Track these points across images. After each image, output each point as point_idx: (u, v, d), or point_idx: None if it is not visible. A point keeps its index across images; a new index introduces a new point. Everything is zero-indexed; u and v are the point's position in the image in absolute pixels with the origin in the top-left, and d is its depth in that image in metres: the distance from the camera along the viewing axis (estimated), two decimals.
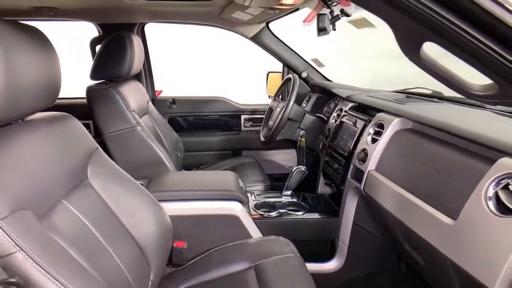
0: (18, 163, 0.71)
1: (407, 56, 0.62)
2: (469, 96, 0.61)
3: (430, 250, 0.85)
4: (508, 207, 0.68)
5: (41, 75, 0.75)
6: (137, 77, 1.95)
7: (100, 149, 1.02)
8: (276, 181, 1.92)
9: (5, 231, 0.59)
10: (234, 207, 1.24)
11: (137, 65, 1.61)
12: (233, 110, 2.23)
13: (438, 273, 0.92)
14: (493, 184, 0.72)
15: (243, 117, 2.24)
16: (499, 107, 1.14)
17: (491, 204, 0.71)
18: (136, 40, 1.60)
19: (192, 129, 2.22)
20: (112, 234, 0.90)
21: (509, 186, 0.70)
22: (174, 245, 1.18)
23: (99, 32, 1.93)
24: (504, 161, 0.73)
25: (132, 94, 1.59)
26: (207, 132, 2.23)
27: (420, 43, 0.59)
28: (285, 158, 2.29)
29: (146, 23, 1.96)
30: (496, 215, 0.69)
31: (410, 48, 0.60)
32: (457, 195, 0.79)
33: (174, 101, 2.18)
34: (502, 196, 0.70)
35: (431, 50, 0.63)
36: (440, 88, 1.52)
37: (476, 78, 0.62)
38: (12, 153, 0.71)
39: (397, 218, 0.97)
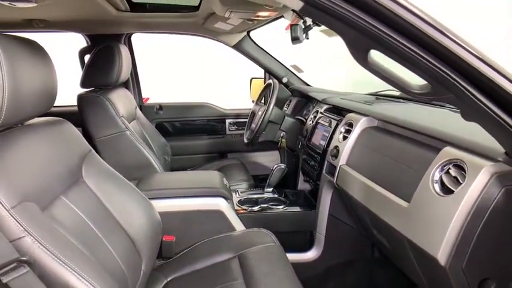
0: (21, 162, 0.79)
1: (357, 61, 0.74)
2: (408, 94, 0.73)
3: (391, 231, 0.97)
4: (450, 189, 0.80)
5: (40, 83, 0.84)
6: (125, 85, 2.03)
7: (93, 151, 1.11)
8: (260, 182, 2.03)
9: (14, 218, 0.68)
10: (218, 203, 1.34)
11: (125, 73, 1.70)
12: (218, 115, 2.33)
13: (400, 253, 1.04)
14: (438, 169, 0.85)
15: (227, 121, 2.35)
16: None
17: (436, 187, 0.83)
18: (124, 50, 1.69)
19: (179, 134, 2.31)
20: (106, 228, 0.98)
21: (450, 171, 0.82)
22: (163, 239, 1.26)
23: (87, 43, 2.01)
24: (447, 149, 0.85)
25: (121, 101, 1.67)
26: (193, 136, 2.32)
27: (366, 51, 0.70)
28: (268, 160, 2.40)
29: (133, 33, 2.06)
30: (440, 195, 0.81)
31: (359, 55, 0.71)
32: (411, 181, 0.91)
33: (160, 107, 2.27)
34: (445, 179, 0.82)
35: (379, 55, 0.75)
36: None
37: (416, 79, 0.75)
38: (15, 153, 0.79)
39: (365, 206, 1.09)
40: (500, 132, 0.69)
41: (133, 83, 2.17)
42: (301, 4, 0.66)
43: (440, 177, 0.83)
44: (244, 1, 1.14)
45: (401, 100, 1.54)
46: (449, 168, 0.82)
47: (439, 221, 0.79)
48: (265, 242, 1.23)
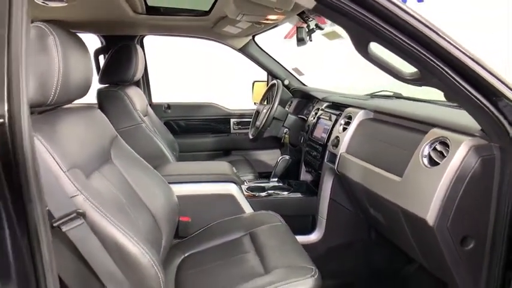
0: (67, 137, 0.92)
1: (359, 53, 0.88)
2: (401, 80, 0.88)
3: (386, 205, 1.11)
4: (436, 161, 0.95)
5: (82, 71, 0.96)
6: (136, 84, 2.16)
7: (119, 136, 1.24)
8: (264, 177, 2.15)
9: (69, 179, 0.80)
10: (230, 188, 1.47)
11: (140, 71, 1.83)
12: (223, 114, 2.47)
13: (395, 227, 1.17)
14: (427, 146, 0.99)
15: (232, 120, 2.48)
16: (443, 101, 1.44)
17: (425, 161, 0.98)
18: (139, 50, 1.83)
19: (186, 132, 2.43)
20: (132, 203, 1.10)
21: (436, 147, 0.97)
22: (180, 219, 1.38)
23: (101, 43, 2.14)
24: (434, 130, 1.00)
25: (136, 97, 1.80)
26: (199, 134, 2.45)
27: (367, 43, 0.85)
28: (270, 157, 2.53)
29: (145, 35, 2.20)
30: (428, 167, 0.96)
31: (360, 47, 0.86)
32: (403, 160, 1.05)
33: (169, 106, 2.40)
34: (432, 154, 0.97)
35: (377, 48, 0.90)
36: (399, 90, 1.83)
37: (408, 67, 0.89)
38: (63, 129, 0.91)
39: (363, 185, 1.23)
40: (476, 111, 0.84)
41: (143, 83, 2.30)
42: (314, 3, 0.81)
43: (429, 152, 0.98)
44: (256, 4, 1.29)
45: (394, 98, 1.70)
46: (435, 145, 0.97)
47: (427, 189, 0.93)
48: (273, 222, 1.36)
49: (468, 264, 0.95)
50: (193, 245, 1.31)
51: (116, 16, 1.64)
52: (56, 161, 0.78)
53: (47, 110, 0.91)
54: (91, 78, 1.04)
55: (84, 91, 1.02)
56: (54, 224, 0.72)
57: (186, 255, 1.27)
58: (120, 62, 1.71)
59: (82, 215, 0.77)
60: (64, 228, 0.75)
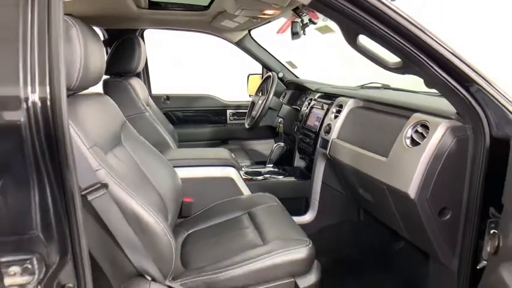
0: (87, 119, 1.00)
1: (349, 44, 0.99)
2: (386, 68, 0.99)
3: (374, 183, 1.22)
4: (417, 142, 1.06)
5: (98, 61, 1.05)
6: (137, 76, 2.24)
7: (127, 122, 1.32)
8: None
9: (92, 155, 0.89)
10: (229, 172, 1.57)
11: (142, 63, 1.92)
12: (220, 105, 2.56)
13: (382, 204, 1.29)
14: (410, 129, 1.11)
15: (228, 111, 2.58)
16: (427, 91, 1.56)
17: (408, 142, 1.09)
18: (142, 43, 1.91)
19: (184, 122, 2.52)
20: (142, 183, 1.20)
21: (417, 129, 1.08)
22: (184, 200, 1.48)
23: (104, 36, 2.21)
24: (416, 115, 1.12)
25: (138, 87, 1.89)
26: (197, 124, 2.55)
27: (356, 35, 0.96)
28: (264, 148, 2.64)
29: (146, 29, 2.28)
30: (410, 147, 1.07)
31: (350, 39, 0.97)
32: (388, 142, 1.17)
33: (168, 97, 2.49)
34: (414, 136, 1.09)
35: (365, 40, 1.00)
36: (387, 82, 1.95)
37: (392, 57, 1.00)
38: (83, 112, 1.00)
39: (353, 167, 1.34)
40: (452, 96, 0.95)
41: (144, 75, 2.38)
42: (309, 0, 0.91)
43: (411, 134, 1.10)
44: (254, 0, 1.39)
45: (382, 88, 1.82)
46: (417, 128, 1.09)
47: (409, 166, 1.04)
48: (270, 202, 1.46)
49: (445, 234, 1.08)
50: (196, 223, 1.41)
51: (120, 11, 1.72)
52: (80, 138, 0.87)
53: (69, 95, 1.00)
54: (104, 68, 1.13)
55: (98, 79, 1.10)
56: (82, 193, 0.82)
57: (189, 232, 1.37)
58: (124, 54, 1.79)
59: (105, 186, 0.86)
60: (89, 197, 0.84)
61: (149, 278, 0.94)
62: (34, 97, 0.65)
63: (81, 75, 0.92)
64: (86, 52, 0.93)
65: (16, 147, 0.65)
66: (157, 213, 0.96)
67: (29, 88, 0.64)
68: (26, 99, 0.64)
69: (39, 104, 0.65)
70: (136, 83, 1.88)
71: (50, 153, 0.66)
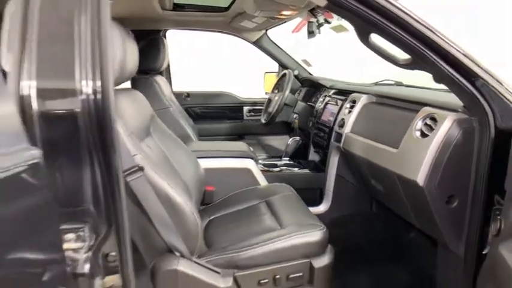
0: (123, 110, 1.12)
1: (361, 42, 1.07)
2: (396, 64, 1.06)
3: (385, 173, 1.30)
4: (426, 134, 1.13)
5: (133, 60, 1.17)
6: (160, 74, 2.37)
7: (156, 115, 1.44)
8: None
9: (130, 142, 1.01)
10: (247, 163, 1.67)
11: (166, 61, 2.04)
12: (237, 102, 2.67)
13: (392, 192, 1.36)
14: (419, 122, 1.18)
15: (245, 108, 2.68)
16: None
17: (417, 134, 1.16)
18: (166, 42, 2.03)
19: (203, 118, 2.64)
20: (170, 171, 1.31)
21: (427, 122, 1.15)
22: (206, 188, 1.59)
23: None
24: (425, 108, 1.19)
25: (163, 84, 2.01)
26: (215, 120, 2.66)
27: (368, 34, 1.03)
28: (279, 143, 2.72)
29: (168, 29, 2.40)
30: (419, 138, 1.14)
31: (363, 37, 1.05)
32: (399, 134, 1.24)
33: (188, 94, 2.61)
34: (423, 128, 1.16)
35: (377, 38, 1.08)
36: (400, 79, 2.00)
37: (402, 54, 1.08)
38: (119, 104, 1.12)
39: (365, 158, 1.42)
40: (459, 90, 1.02)
41: (166, 73, 2.50)
42: (326, 2, 0.99)
43: (420, 127, 1.17)
44: (274, 1, 1.48)
45: (395, 85, 1.88)
46: (426, 121, 1.16)
47: (418, 156, 1.12)
48: (286, 192, 1.55)
49: (453, 221, 1.14)
50: (217, 210, 1.52)
51: (147, 13, 1.84)
52: (121, 127, 0.99)
53: None
54: (137, 65, 1.24)
55: (131, 75, 1.21)
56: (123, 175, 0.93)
57: (211, 218, 1.47)
58: (149, 53, 1.91)
59: (141, 169, 0.97)
60: (128, 179, 0.95)
61: (178, 254, 1.05)
62: (88, 90, 0.76)
63: (120, 72, 1.04)
64: (125, 51, 1.04)
65: (73, 132, 0.77)
66: (186, 195, 1.07)
67: (84, 82, 0.75)
68: (81, 92, 0.75)
69: (91, 95, 0.76)
70: (161, 80, 2.01)
71: (100, 138, 0.77)
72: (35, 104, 0.74)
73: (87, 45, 0.77)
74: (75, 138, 0.77)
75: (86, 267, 0.77)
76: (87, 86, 0.76)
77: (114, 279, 0.86)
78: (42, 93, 0.74)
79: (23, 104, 0.74)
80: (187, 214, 1.05)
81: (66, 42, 0.76)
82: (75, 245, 0.80)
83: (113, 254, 0.85)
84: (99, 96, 0.76)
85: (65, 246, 0.79)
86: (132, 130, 1.08)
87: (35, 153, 0.62)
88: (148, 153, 1.16)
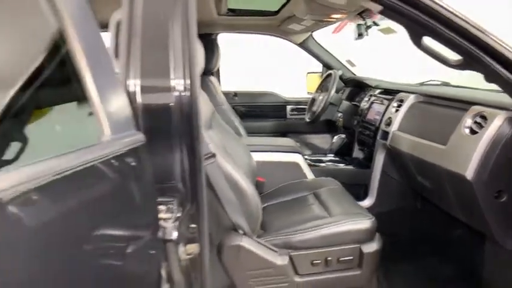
0: (201, 105, 1.28)
1: (414, 45, 1.15)
2: (448, 65, 1.13)
3: (432, 169, 1.36)
4: (475, 131, 1.19)
5: (202, 60, 1.33)
6: (212, 75, 2.55)
7: (215, 111, 1.60)
8: None
9: (205, 132, 1.16)
10: (295, 157, 1.79)
11: (218, 63, 2.21)
12: (281, 101, 2.80)
13: (438, 188, 1.42)
14: (469, 119, 1.23)
15: (288, 107, 2.80)
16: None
17: (466, 131, 1.22)
18: (218, 45, 2.20)
19: (248, 117, 2.79)
20: (231, 159, 1.45)
21: (476, 119, 1.21)
22: (257, 179, 1.72)
23: None
24: (474, 107, 1.24)
25: (216, 84, 2.18)
26: (260, 118, 2.80)
27: (421, 37, 1.11)
28: (321, 141, 2.81)
29: (220, 33, 2.58)
30: (468, 135, 1.20)
31: (416, 40, 1.13)
32: (447, 132, 1.30)
33: (236, 94, 2.78)
34: (472, 125, 1.21)
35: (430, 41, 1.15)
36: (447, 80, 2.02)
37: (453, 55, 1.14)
38: None
39: (412, 155, 1.48)
40: (509, 88, 1.07)
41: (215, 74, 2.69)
42: (380, 8, 1.09)
43: (470, 124, 1.22)
44: (325, 5, 1.58)
45: (442, 85, 1.91)
46: (476, 119, 1.21)
47: (467, 151, 1.17)
48: (333, 185, 1.65)
49: (501, 215, 1.19)
50: (268, 199, 1.64)
51: (204, 17, 2.02)
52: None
53: None
54: (203, 65, 1.40)
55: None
56: None
57: (264, 205, 1.61)
58: (205, 56, 2.08)
59: (214, 155, 1.13)
60: (204, 164, 1.11)
61: (241, 232, 1.19)
62: (179, 86, 0.91)
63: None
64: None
65: (167, 122, 0.93)
66: (248, 180, 1.21)
67: (177, 81, 0.91)
68: (174, 88, 0.91)
69: (183, 92, 0.91)
70: (215, 81, 2.18)
71: (188, 127, 0.93)
72: (139, 98, 0.91)
73: (179, 50, 0.93)
74: (169, 127, 0.93)
75: (174, 235, 0.93)
76: (179, 84, 0.92)
77: (194, 247, 1.02)
78: (145, 90, 0.91)
79: (130, 98, 0.91)
80: (250, 196, 1.18)
81: (162, 48, 0.92)
82: (166, 215, 0.95)
83: (193, 226, 1.01)
84: (188, 93, 0.92)
85: (159, 215, 0.96)
86: (203, 122, 1.23)
87: (140, 137, 0.79)
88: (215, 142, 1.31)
